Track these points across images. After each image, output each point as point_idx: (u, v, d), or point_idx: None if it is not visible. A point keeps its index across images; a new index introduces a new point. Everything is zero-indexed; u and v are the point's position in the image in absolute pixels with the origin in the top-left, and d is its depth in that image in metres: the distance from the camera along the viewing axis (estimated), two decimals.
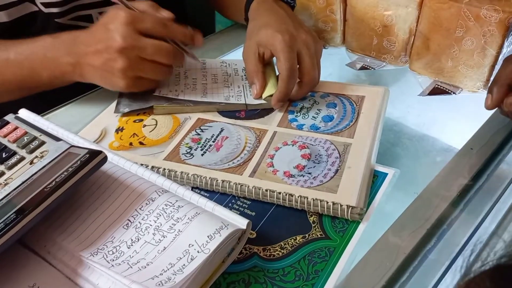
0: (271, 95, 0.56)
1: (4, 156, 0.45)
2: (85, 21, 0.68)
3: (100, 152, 0.40)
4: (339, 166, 0.48)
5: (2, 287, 0.37)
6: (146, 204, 0.41)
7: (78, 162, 0.39)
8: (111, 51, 0.51)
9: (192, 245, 0.37)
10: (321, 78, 0.60)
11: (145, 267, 0.35)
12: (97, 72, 0.54)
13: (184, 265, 0.35)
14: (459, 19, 0.55)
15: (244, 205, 0.46)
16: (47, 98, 0.60)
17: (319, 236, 0.42)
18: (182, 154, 0.51)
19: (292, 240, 0.42)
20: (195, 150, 0.51)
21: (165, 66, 0.54)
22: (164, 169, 0.48)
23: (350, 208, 0.43)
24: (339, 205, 0.43)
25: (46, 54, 0.55)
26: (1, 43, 0.57)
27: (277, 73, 0.57)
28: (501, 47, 0.55)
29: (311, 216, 0.44)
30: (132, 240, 0.38)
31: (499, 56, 0.56)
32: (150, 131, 0.55)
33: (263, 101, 0.57)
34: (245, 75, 0.62)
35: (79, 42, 0.54)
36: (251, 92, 0.59)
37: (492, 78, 0.59)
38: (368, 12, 0.63)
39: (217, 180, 0.47)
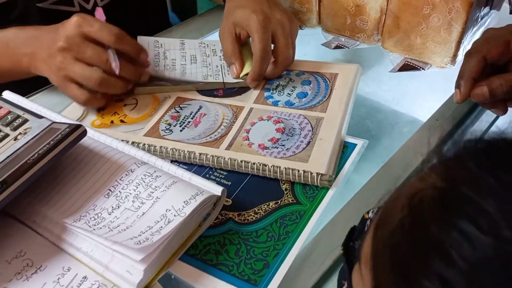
0: (247, 74, 0.58)
1: None
2: (66, 5, 0.69)
3: (79, 126, 0.42)
4: (311, 138, 0.50)
5: None
6: (126, 175, 0.43)
7: (59, 136, 0.41)
8: (53, 49, 0.52)
9: (169, 210, 0.39)
10: (297, 57, 0.62)
11: (125, 230, 0.38)
12: (43, 65, 0.55)
13: (161, 227, 0.37)
14: None
15: (220, 175, 0.48)
16: (30, 81, 0.62)
17: (291, 201, 0.45)
18: (162, 130, 0.53)
19: (266, 206, 0.44)
20: (174, 126, 0.54)
21: (97, 75, 0.53)
22: (144, 144, 0.50)
23: (320, 175, 0.45)
24: (309, 173, 0.46)
25: (8, 44, 0.56)
26: None
27: None
28: (465, 23, 0.58)
29: (284, 184, 0.47)
30: (112, 207, 0.41)
31: (464, 32, 0.59)
32: (130, 110, 0.57)
33: (240, 80, 0.59)
34: (223, 56, 0.64)
35: (37, 35, 0.55)
36: (229, 71, 0.61)
37: (458, 55, 0.61)
38: None
39: (194, 153, 0.49)
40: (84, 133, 0.42)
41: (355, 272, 0.27)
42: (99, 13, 0.55)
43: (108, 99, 0.57)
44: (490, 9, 0.65)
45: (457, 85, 0.49)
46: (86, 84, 0.53)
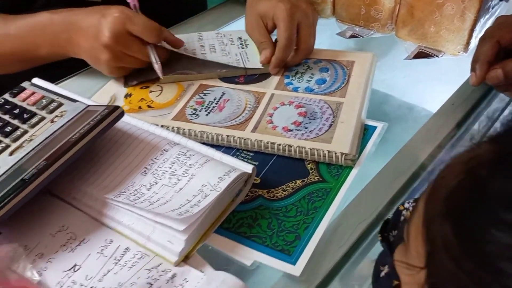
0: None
1: (25, 117, 0.48)
2: None
3: (118, 107, 0.44)
4: (333, 121, 0.52)
5: (36, 229, 0.42)
6: (161, 154, 0.45)
7: (99, 116, 0.43)
8: (98, 43, 0.55)
9: (205, 185, 0.41)
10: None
11: (165, 204, 0.40)
12: (85, 54, 0.58)
13: (199, 200, 0.40)
14: None
15: (247, 156, 0.50)
16: (54, 70, 0.64)
17: (317, 180, 0.47)
18: (188, 114, 0.55)
19: (293, 183, 0.47)
20: (199, 111, 0.56)
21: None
22: (173, 127, 0.52)
23: (344, 155, 0.47)
24: (333, 152, 0.48)
25: (45, 29, 0.58)
26: (2, 18, 0.60)
27: None
28: (478, 11, 0.60)
29: (309, 163, 0.49)
30: (150, 184, 0.43)
31: (477, 20, 0.61)
32: (156, 96, 0.59)
33: (261, 66, 0.61)
34: (240, 44, 0.66)
35: (75, 21, 0.57)
36: (248, 58, 0.63)
37: (471, 43, 0.63)
38: None
39: (222, 135, 0.51)
40: (122, 114, 0.44)
41: (397, 254, 0.28)
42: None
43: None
44: (500, 0, 0.67)
45: (473, 69, 0.51)
46: (148, 35, 0.56)
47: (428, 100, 0.61)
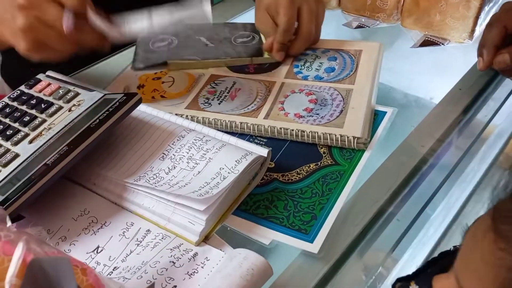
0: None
1: (43, 106, 0.49)
2: None
3: (135, 93, 0.45)
4: (343, 107, 0.53)
5: (57, 213, 0.43)
6: (177, 140, 0.46)
7: (117, 103, 0.44)
8: (13, 8, 0.47)
9: (223, 168, 0.42)
10: (321, 37, 0.65)
11: (185, 186, 0.41)
12: (6, 30, 0.50)
13: (218, 182, 0.41)
14: None
15: (261, 142, 0.51)
16: (62, 66, 0.64)
17: (330, 163, 0.48)
18: (201, 103, 0.56)
19: (307, 167, 0.48)
20: (212, 100, 0.57)
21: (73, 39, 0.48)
22: (187, 116, 0.53)
23: (356, 138, 0.48)
24: (346, 136, 0.49)
25: None
26: None
27: None
28: None
29: (321, 148, 0.50)
30: (169, 168, 0.44)
31: (482, 7, 0.62)
32: (169, 87, 0.60)
33: (267, 56, 0.63)
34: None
35: None
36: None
37: (476, 31, 0.65)
38: None
39: (235, 122, 0.52)
40: (140, 100, 0.45)
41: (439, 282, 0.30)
42: None
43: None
44: None
45: (480, 53, 0.52)
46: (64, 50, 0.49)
47: (435, 87, 0.62)
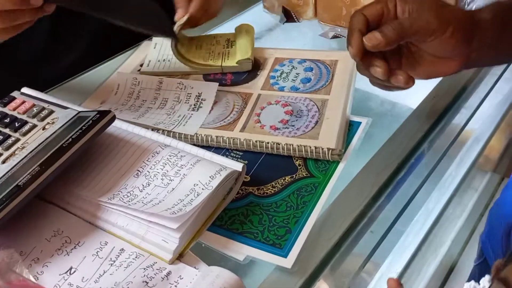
0: (244, 59, 0.62)
1: (17, 125, 0.49)
2: None
3: (109, 111, 0.45)
4: (319, 118, 0.54)
5: (30, 234, 0.42)
6: (152, 156, 0.46)
7: (90, 121, 0.44)
8: None
9: (197, 184, 0.42)
10: (297, 47, 0.66)
11: (158, 204, 0.41)
12: None
13: (192, 199, 0.41)
14: None
15: (237, 155, 0.51)
16: (43, 79, 0.64)
17: (305, 175, 0.48)
18: None
19: (282, 180, 0.48)
20: None
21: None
22: (163, 130, 0.53)
23: (330, 150, 0.49)
24: (320, 148, 0.49)
25: None
26: None
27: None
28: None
29: (297, 160, 0.50)
30: (143, 185, 0.44)
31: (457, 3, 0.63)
32: None
33: (235, 65, 0.63)
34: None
35: None
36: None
37: None
38: None
39: (211, 136, 0.52)
40: (114, 118, 0.45)
41: None
42: None
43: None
44: None
45: (348, 43, 0.47)
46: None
47: (410, 96, 0.63)
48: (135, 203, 0.41)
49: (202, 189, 0.42)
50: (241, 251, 0.41)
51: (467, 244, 1.23)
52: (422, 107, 0.57)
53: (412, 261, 0.81)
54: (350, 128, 0.54)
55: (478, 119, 1.01)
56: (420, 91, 0.60)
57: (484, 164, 1.33)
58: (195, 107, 0.57)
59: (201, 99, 0.57)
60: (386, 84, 0.49)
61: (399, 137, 0.53)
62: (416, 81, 0.58)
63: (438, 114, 0.55)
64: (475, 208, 1.22)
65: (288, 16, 0.78)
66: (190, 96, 0.58)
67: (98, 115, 0.44)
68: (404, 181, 0.49)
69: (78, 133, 0.43)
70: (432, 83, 0.60)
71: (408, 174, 0.50)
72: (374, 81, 0.51)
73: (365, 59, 0.47)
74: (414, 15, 0.46)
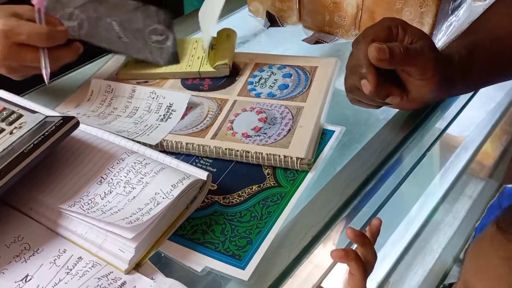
0: (221, 64, 0.62)
1: None
2: None
3: (73, 117, 0.44)
4: (292, 126, 0.53)
5: None
6: (117, 163, 0.46)
7: (53, 127, 0.44)
8: None
9: (158, 193, 0.42)
10: (279, 53, 0.65)
11: (117, 212, 0.40)
12: None
13: (151, 208, 0.40)
14: None
15: (206, 163, 0.51)
16: (20, 82, 0.64)
17: (272, 185, 0.48)
18: None
19: (249, 189, 0.47)
20: None
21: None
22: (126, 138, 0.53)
23: (299, 159, 0.48)
24: (289, 157, 0.49)
25: None
26: None
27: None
28: (436, 16, 0.61)
29: (266, 169, 0.50)
30: (105, 193, 0.43)
31: (435, 24, 0.62)
32: None
33: (213, 70, 0.63)
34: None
35: None
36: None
37: None
38: None
39: (181, 143, 0.52)
40: (77, 124, 0.44)
41: None
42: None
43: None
44: (460, 3, 0.68)
45: (362, 75, 0.46)
46: (35, 41, 0.54)
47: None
48: (94, 211, 0.41)
49: (163, 198, 0.41)
50: (200, 262, 0.40)
51: (461, 251, 1.22)
52: (398, 117, 0.56)
53: (394, 270, 0.80)
54: (323, 136, 0.53)
55: (469, 126, 1.00)
56: None
57: (478, 171, 1.31)
58: (164, 118, 0.56)
59: (172, 110, 0.57)
60: (369, 102, 0.50)
61: (371, 147, 0.52)
62: None
63: (411, 126, 0.54)
64: (469, 215, 1.21)
65: (273, 20, 0.77)
66: (161, 106, 0.57)
67: (61, 121, 0.44)
68: (374, 192, 0.49)
69: (40, 138, 0.43)
70: None
71: (379, 185, 0.50)
72: (354, 101, 0.52)
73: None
74: (417, 47, 0.46)
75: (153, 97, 0.59)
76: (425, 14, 0.62)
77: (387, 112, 0.58)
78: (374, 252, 0.51)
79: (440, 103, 0.59)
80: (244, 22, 0.80)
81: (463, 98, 0.64)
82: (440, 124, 0.61)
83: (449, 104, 0.61)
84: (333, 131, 0.54)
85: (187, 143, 0.52)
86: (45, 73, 0.55)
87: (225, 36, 0.68)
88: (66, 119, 0.44)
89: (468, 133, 0.99)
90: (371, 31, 0.47)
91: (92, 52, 0.65)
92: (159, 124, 0.55)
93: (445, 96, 0.54)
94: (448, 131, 0.61)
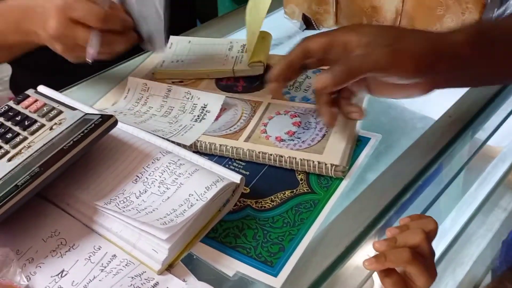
0: (256, 62, 0.62)
1: (26, 124, 0.50)
2: None
3: (111, 116, 0.45)
4: (326, 131, 0.52)
5: (28, 233, 0.43)
6: (152, 162, 0.46)
7: (92, 125, 0.44)
8: (47, 35, 0.54)
9: (192, 195, 0.42)
10: None
11: (152, 212, 0.41)
12: (47, 43, 0.56)
13: (184, 210, 0.40)
14: None
15: (239, 166, 0.51)
16: (62, 77, 0.66)
17: (306, 191, 0.47)
18: None
19: (282, 194, 0.47)
20: None
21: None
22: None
23: (334, 166, 0.48)
24: (324, 164, 0.48)
25: (7, 17, 0.58)
26: None
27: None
28: None
29: (299, 174, 0.49)
30: (140, 192, 0.44)
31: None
32: None
33: (248, 68, 0.62)
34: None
35: (27, 8, 0.56)
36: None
37: None
38: None
39: (215, 144, 0.52)
40: (115, 122, 0.45)
41: None
42: None
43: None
44: (505, 10, 0.66)
45: (317, 112, 0.50)
46: (89, 20, 0.53)
47: (427, 111, 0.60)
48: (130, 210, 0.41)
49: (197, 200, 0.41)
50: (231, 266, 0.40)
51: (492, 264, 1.18)
52: (437, 127, 0.54)
53: None
54: (358, 143, 0.52)
55: (507, 137, 0.96)
56: (436, 108, 0.58)
57: None
58: (198, 118, 0.56)
59: (206, 111, 0.57)
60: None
61: (409, 156, 0.51)
62: (433, 98, 0.56)
63: (452, 135, 0.53)
64: (503, 228, 1.17)
65: (308, 23, 0.76)
66: (196, 106, 0.58)
67: (100, 119, 0.45)
68: (408, 206, 0.47)
69: (79, 136, 0.43)
70: (450, 100, 0.58)
71: (415, 196, 0.48)
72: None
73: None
74: (366, 51, 0.44)
75: (188, 98, 0.59)
76: (467, 21, 0.60)
77: (425, 121, 0.57)
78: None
79: (481, 113, 0.57)
80: (279, 24, 0.79)
81: (505, 108, 0.62)
82: (480, 135, 0.59)
83: (490, 114, 0.58)
84: (369, 139, 0.53)
85: (220, 145, 0.52)
86: (90, 51, 0.53)
87: (260, 38, 0.68)
88: (105, 117, 0.45)
89: (507, 144, 0.96)
90: (310, 39, 0.47)
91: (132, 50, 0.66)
92: (193, 125, 0.55)
93: (437, 75, 0.45)
94: (481, 138, 0.59)
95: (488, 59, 0.46)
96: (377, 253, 0.38)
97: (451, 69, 0.44)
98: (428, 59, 0.43)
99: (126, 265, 0.39)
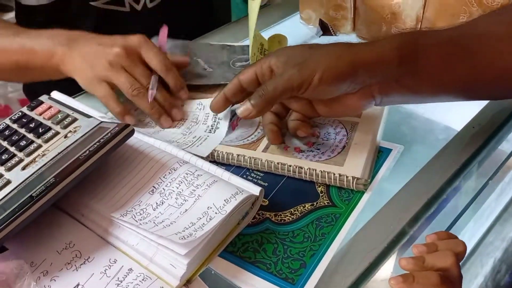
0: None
1: (41, 131, 0.49)
2: (118, 5, 0.72)
3: (128, 125, 0.44)
4: (346, 142, 0.51)
5: (43, 244, 0.42)
6: (169, 173, 0.45)
7: (109, 134, 0.43)
8: (105, 51, 0.55)
9: (211, 208, 0.41)
10: None
11: (169, 225, 0.40)
12: (77, 60, 0.57)
13: (203, 223, 0.39)
14: (462, 5, 0.57)
15: (257, 177, 0.50)
16: (75, 81, 0.65)
17: (326, 204, 0.46)
18: None
19: (301, 207, 0.46)
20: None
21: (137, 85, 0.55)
22: None
23: (356, 179, 0.46)
24: (345, 176, 0.46)
25: (51, 37, 0.59)
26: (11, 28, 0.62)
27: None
28: None
29: (319, 186, 0.48)
30: (157, 203, 0.43)
31: None
32: None
33: None
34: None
35: (84, 37, 0.58)
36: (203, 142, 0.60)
37: None
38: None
39: (232, 155, 0.51)
40: (132, 132, 0.44)
41: None
42: (163, 32, 0.59)
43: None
44: None
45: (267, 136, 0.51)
46: (122, 88, 0.55)
47: (449, 121, 0.59)
48: (147, 223, 0.40)
49: (216, 213, 0.40)
50: (251, 282, 0.39)
51: (505, 276, 1.16)
52: (460, 137, 0.53)
53: None
54: (379, 155, 0.51)
55: None
56: (459, 118, 0.56)
57: None
58: (212, 129, 0.55)
59: (218, 119, 0.56)
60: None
61: (432, 169, 0.49)
62: (456, 108, 0.54)
63: (476, 147, 0.51)
64: None
65: (325, 29, 0.75)
66: (208, 116, 0.57)
67: (117, 128, 0.44)
68: (432, 220, 0.46)
69: (95, 145, 0.42)
70: (472, 110, 0.56)
71: (436, 213, 0.47)
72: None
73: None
74: (280, 72, 0.45)
75: (200, 108, 0.58)
76: None
77: (448, 132, 0.55)
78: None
79: (506, 124, 0.55)
80: (295, 29, 0.78)
81: None
82: (503, 146, 0.57)
83: None
84: (390, 150, 0.51)
85: (238, 155, 0.50)
86: (151, 93, 0.55)
87: (277, 42, 0.67)
88: (121, 126, 0.44)
89: None
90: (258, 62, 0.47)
91: None
92: (208, 136, 0.54)
93: (372, 86, 0.45)
94: (505, 149, 0.58)
95: (415, 66, 0.44)
96: (404, 272, 0.36)
97: (374, 76, 0.44)
98: (337, 70, 0.43)
99: (143, 279, 0.38)
